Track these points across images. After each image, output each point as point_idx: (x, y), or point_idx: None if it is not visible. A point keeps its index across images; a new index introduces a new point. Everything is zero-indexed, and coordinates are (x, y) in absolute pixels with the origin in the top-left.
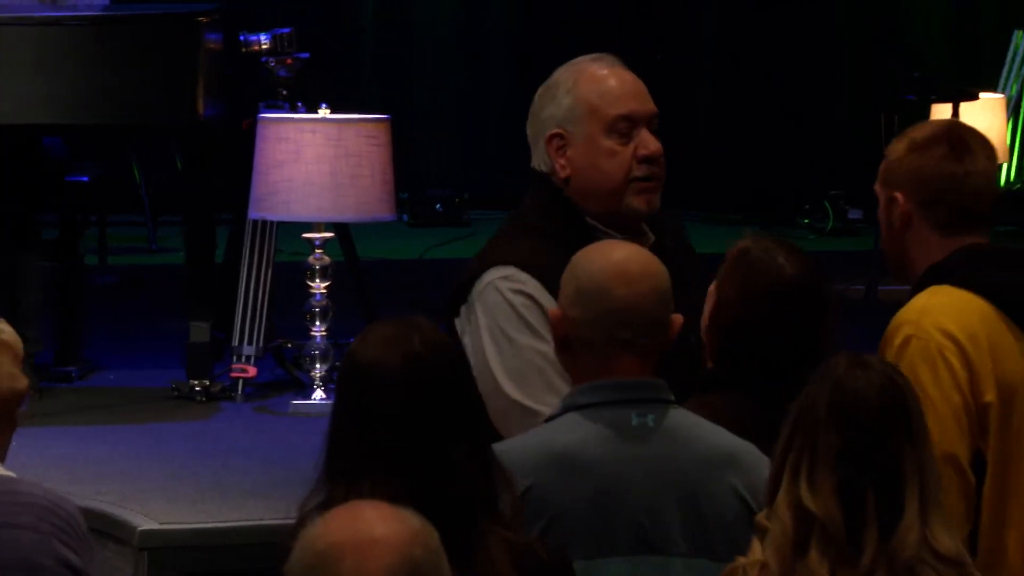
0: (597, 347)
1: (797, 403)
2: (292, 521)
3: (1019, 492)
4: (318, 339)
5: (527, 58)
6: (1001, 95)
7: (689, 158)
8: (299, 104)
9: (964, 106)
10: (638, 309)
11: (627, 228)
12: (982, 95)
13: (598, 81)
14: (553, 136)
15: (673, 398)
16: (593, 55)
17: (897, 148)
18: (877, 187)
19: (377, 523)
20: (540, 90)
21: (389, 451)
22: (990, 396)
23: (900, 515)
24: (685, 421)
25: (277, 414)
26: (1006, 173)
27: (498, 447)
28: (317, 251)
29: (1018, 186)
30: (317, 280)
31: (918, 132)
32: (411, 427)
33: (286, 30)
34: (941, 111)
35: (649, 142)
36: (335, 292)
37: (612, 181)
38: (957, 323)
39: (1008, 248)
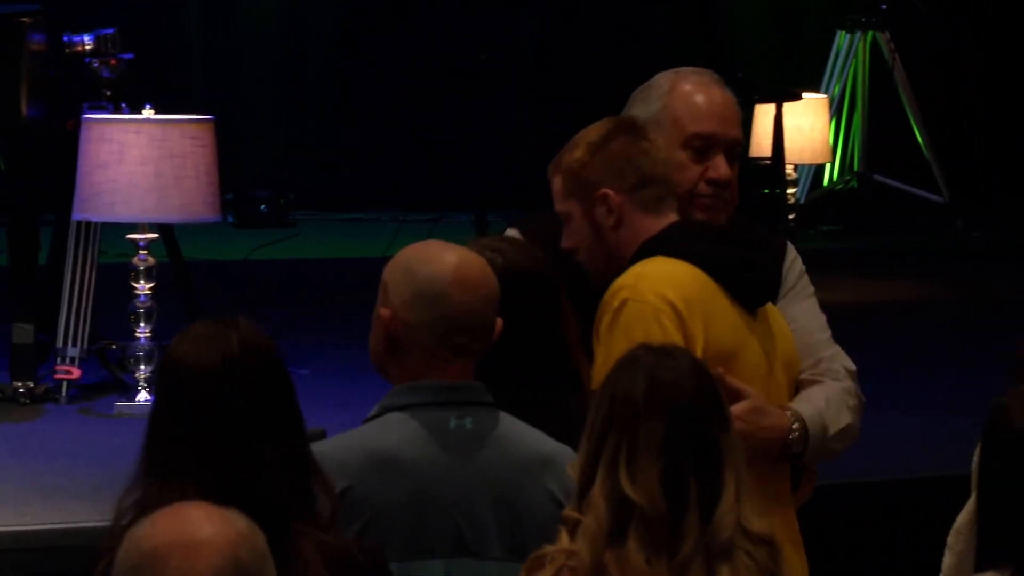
0: (429, 351)
1: (605, 397)
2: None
3: None
4: (142, 340)
5: (351, 61)
6: (824, 95)
7: (511, 158)
8: (123, 105)
9: (787, 106)
10: (476, 315)
11: None
12: (805, 95)
13: (689, 95)
14: None
15: (492, 400)
16: (697, 68)
17: (576, 156)
18: (563, 205)
19: (203, 524)
20: (637, 89)
21: (199, 449)
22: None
23: (719, 499)
24: (503, 424)
25: (101, 416)
26: (829, 173)
27: (316, 447)
28: (141, 252)
29: (840, 186)
30: (141, 281)
31: (590, 135)
32: (222, 426)
33: (110, 31)
34: (765, 111)
35: (720, 166)
36: (160, 293)
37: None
38: (672, 288)
39: (708, 223)
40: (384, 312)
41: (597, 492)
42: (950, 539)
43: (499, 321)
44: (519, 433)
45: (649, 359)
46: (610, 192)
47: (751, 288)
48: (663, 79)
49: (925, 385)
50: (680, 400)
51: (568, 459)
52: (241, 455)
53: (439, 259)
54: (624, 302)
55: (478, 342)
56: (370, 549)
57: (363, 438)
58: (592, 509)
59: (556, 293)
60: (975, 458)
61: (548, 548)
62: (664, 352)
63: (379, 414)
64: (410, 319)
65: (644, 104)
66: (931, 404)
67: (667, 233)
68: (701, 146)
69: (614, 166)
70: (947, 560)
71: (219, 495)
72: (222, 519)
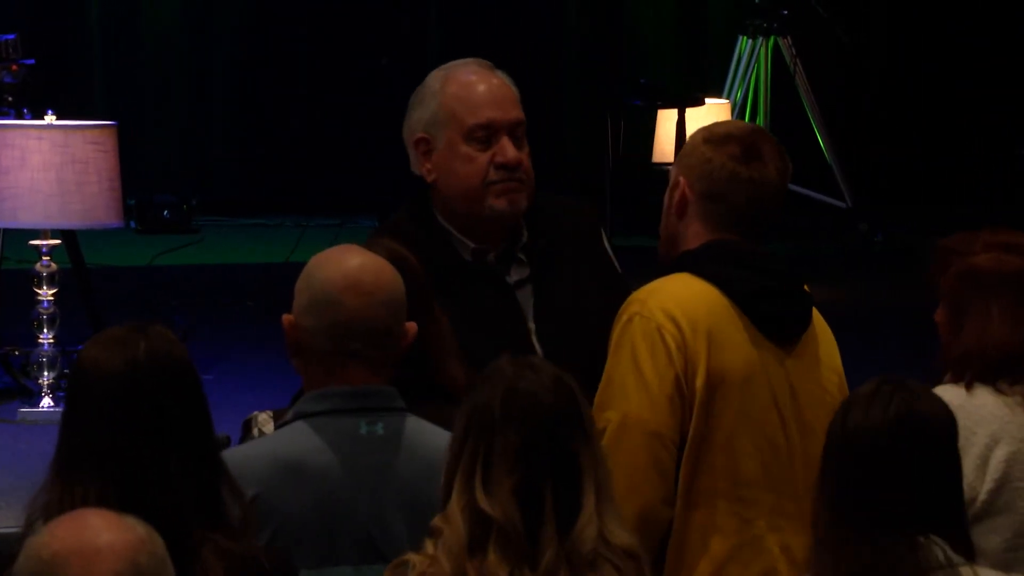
0: (326, 356)
1: (466, 407)
2: (19, 529)
3: (710, 473)
4: (45, 346)
5: (254, 65)
6: (726, 100)
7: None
8: (25, 110)
9: (690, 111)
10: (367, 320)
11: (489, 233)
12: (707, 101)
13: (462, 87)
14: (419, 140)
15: (404, 405)
16: (467, 60)
17: (696, 136)
18: (673, 168)
19: (102, 531)
20: (413, 93)
21: (100, 453)
22: (700, 380)
23: (578, 511)
24: (416, 428)
25: (5, 422)
26: None
27: (225, 454)
28: (44, 258)
29: None
30: (44, 287)
31: (719, 126)
32: (122, 431)
33: (11, 36)
34: (667, 116)
35: (507, 150)
36: (62, 299)
37: (469, 187)
38: (680, 307)
39: (753, 247)
40: (286, 319)
41: (454, 506)
42: None
43: (411, 326)
44: (432, 437)
45: (508, 370)
46: (683, 184)
47: (768, 318)
48: (433, 79)
49: None
50: (536, 412)
51: None
52: (141, 461)
53: (335, 264)
54: (632, 317)
55: (373, 348)
56: (278, 557)
57: (272, 445)
58: (450, 523)
59: (427, 293)
60: None
61: (411, 555)
62: (524, 364)
63: (291, 421)
64: (307, 325)
65: (421, 108)
66: None
67: (702, 250)
68: (484, 135)
69: (704, 168)
70: None
71: (118, 501)
72: (121, 525)
